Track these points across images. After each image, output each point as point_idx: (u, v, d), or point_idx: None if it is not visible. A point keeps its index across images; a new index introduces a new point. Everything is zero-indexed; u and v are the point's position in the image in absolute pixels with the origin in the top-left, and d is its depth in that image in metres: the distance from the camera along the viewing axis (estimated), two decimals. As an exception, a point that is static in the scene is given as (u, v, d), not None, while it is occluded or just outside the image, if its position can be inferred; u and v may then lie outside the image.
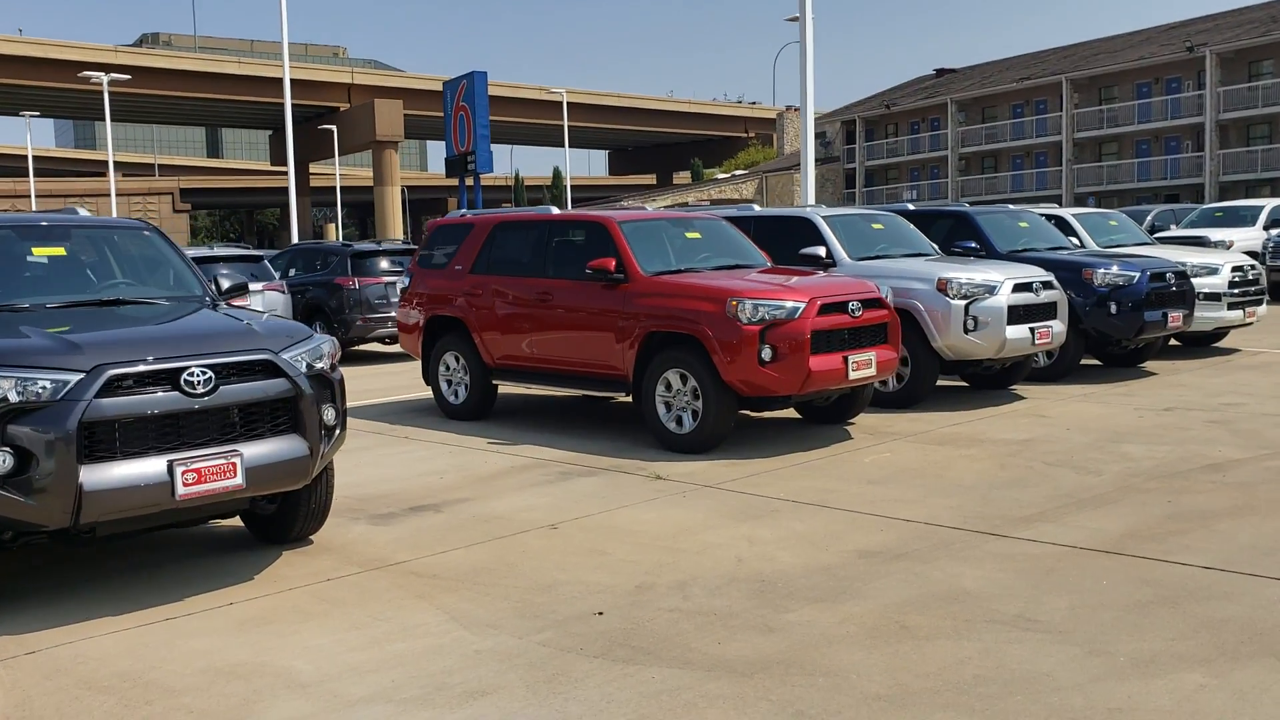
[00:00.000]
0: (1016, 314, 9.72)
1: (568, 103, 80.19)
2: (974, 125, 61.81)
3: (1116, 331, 11.13)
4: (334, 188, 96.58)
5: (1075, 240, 13.31)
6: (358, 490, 7.12)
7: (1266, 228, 22.37)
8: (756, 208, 11.54)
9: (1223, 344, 14.02)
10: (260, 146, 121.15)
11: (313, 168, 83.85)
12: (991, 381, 10.87)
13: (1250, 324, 13.33)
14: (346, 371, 6.20)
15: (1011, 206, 14.45)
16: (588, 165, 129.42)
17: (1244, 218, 23.20)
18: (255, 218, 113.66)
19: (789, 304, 7.78)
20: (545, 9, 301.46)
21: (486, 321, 9.61)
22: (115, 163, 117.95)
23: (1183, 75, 51.71)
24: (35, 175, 67.80)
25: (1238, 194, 47.07)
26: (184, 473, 4.69)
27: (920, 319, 9.62)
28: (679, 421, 8.11)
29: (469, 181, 46.21)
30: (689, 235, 9.26)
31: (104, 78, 43.04)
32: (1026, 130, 58.81)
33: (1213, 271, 12.82)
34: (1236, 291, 12.93)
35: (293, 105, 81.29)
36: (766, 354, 7.69)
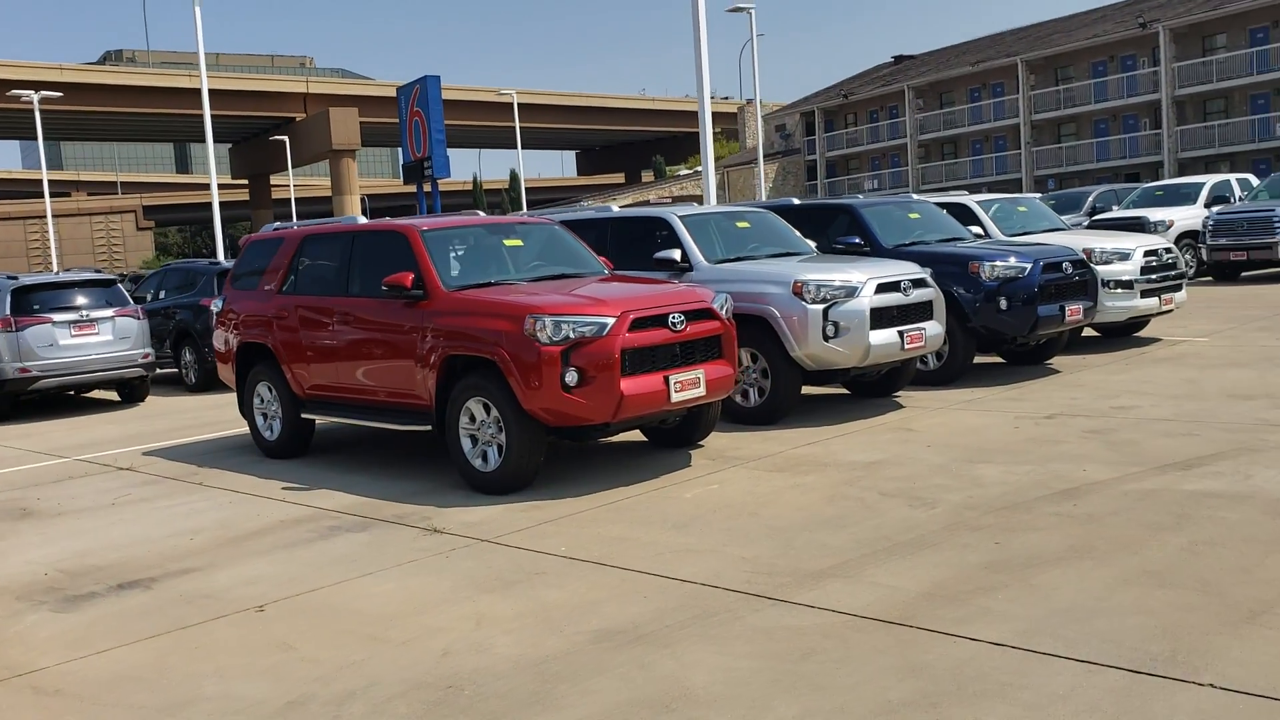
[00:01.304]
0: (882, 317, 8.78)
1: (526, 104, 79.19)
2: (932, 111, 61.04)
3: (1008, 329, 10.21)
4: (304, 198, 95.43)
5: (979, 230, 12.39)
6: (81, 560, 6.12)
7: (1208, 205, 21.55)
8: (615, 208, 10.58)
9: (1144, 333, 13.13)
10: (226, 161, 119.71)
11: (275, 179, 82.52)
12: (873, 389, 9.94)
13: (1168, 311, 12.43)
14: (216, 400, 5.19)
15: (913, 196, 13.56)
16: (560, 166, 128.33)
17: (1185, 196, 22.38)
18: (228, 232, 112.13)
19: (596, 320, 6.81)
20: (518, 13, 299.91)
21: (294, 348, 8.62)
22: (79, 181, 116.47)
23: (1137, 52, 50.96)
24: None
25: (1197, 170, 46.33)
26: None
27: (776, 326, 8.67)
28: (484, 457, 7.14)
29: (426, 188, 45.20)
30: (509, 243, 8.27)
31: (34, 95, 41.77)
32: (984, 114, 58.01)
33: (1124, 257, 11.92)
34: (1151, 278, 12.03)
35: (250, 117, 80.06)
36: (571, 378, 6.71)
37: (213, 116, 79.36)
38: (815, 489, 6.64)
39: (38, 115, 42.57)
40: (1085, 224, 22.25)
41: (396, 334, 7.65)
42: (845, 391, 10.25)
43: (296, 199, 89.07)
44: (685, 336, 7.14)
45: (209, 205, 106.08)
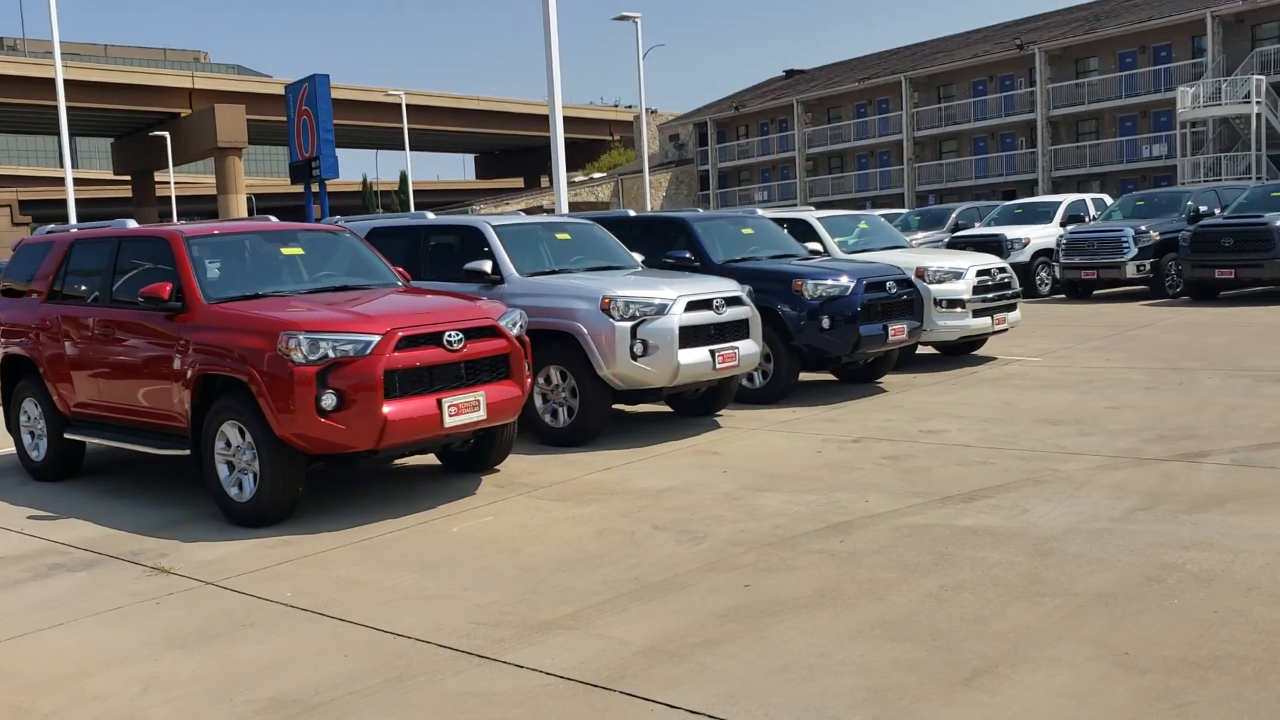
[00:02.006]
0: (693, 335, 8.47)
1: (418, 105, 77.96)
2: (820, 126, 61.82)
3: (831, 347, 10.02)
4: (189, 196, 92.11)
5: (816, 246, 12.22)
6: None
7: (1063, 224, 21.97)
8: (430, 215, 10.09)
9: (981, 351, 13.14)
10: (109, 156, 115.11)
11: (160, 176, 79.47)
12: (694, 408, 9.64)
13: (1002, 331, 12.45)
14: None
15: (757, 211, 13.37)
16: (462, 169, 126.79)
17: (1043, 214, 22.81)
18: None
19: (358, 338, 6.32)
20: (427, 13, 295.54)
21: (58, 362, 7.92)
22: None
23: (1015, 73, 52.34)
24: None
25: (1069, 189, 47.63)
26: None
27: (584, 344, 8.29)
28: (240, 486, 6.58)
29: (315, 188, 43.91)
30: (287, 251, 7.72)
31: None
32: (870, 130, 58.96)
33: (957, 276, 11.87)
34: (984, 297, 12.01)
35: (133, 111, 76.85)
36: (328, 401, 6.21)
37: (93, 110, 76.18)
38: (590, 521, 6.26)
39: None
40: (946, 240, 22.53)
41: (155, 349, 7.04)
42: (668, 409, 9.94)
43: (181, 197, 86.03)
44: (463, 356, 6.69)
45: (89, 201, 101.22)
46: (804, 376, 11.55)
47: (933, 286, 11.71)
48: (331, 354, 6.24)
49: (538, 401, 8.61)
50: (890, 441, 8.10)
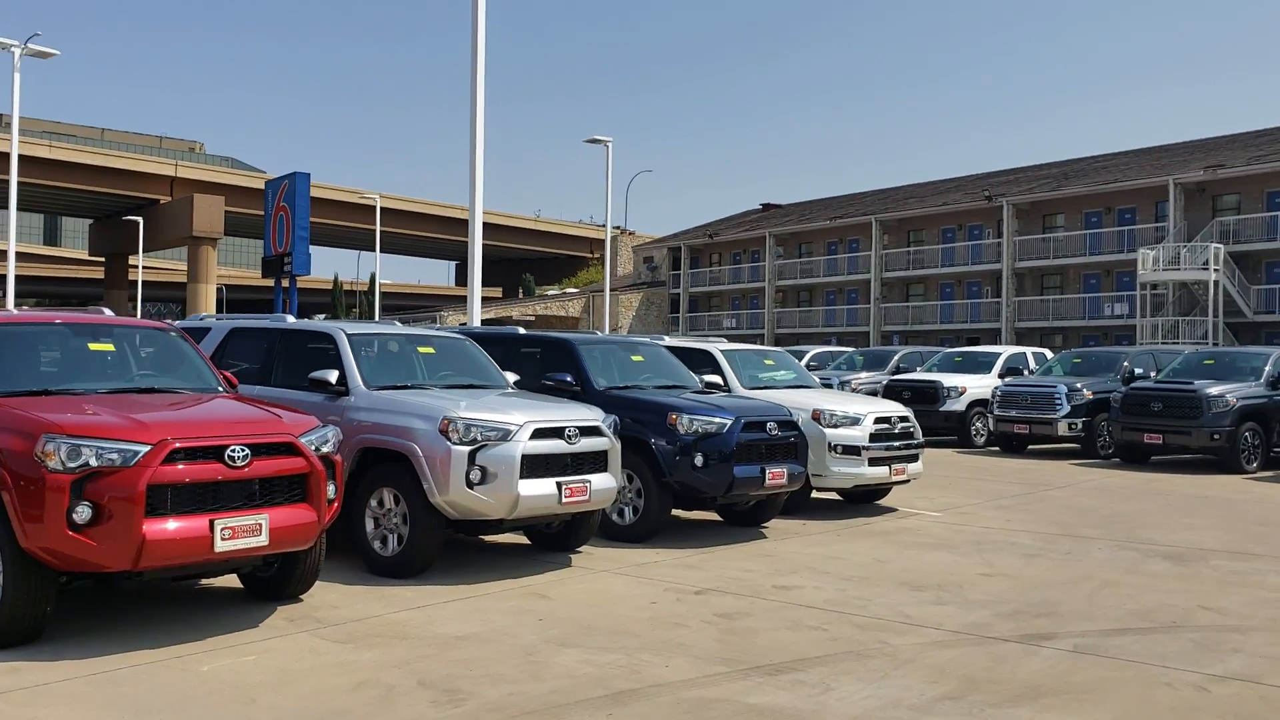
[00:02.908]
0: (540, 465, 7.97)
1: (396, 210, 78.68)
2: (791, 259, 62.50)
3: (704, 486, 9.53)
4: (159, 282, 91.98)
5: (716, 379, 11.82)
6: None
7: (1002, 375, 21.78)
8: (290, 319, 9.66)
9: (885, 501, 12.67)
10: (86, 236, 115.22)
11: (135, 260, 79.39)
12: (553, 542, 9.08)
13: (902, 482, 11.99)
14: None
15: (664, 338, 13.02)
16: (447, 275, 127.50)
17: (983, 364, 22.65)
18: (89, 309, 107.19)
19: (124, 446, 5.80)
20: (433, 125, 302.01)
21: None
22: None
23: (984, 223, 53.21)
24: None
25: (1032, 340, 47.97)
26: None
27: (417, 467, 7.76)
28: (-16, 603, 5.95)
29: (285, 283, 43.79)
30: (95, 348, 7.22)
31: None
32: (839, 267, 59.58)
33: (854, 422, 11.47)
34: (884, 445, 11.59)
35: (114, 195, 77.05)
36: (82, 514, 5.65)
37: (75, 191, 76.19)
38: (357, 670, 5.65)
39: None
40: (884, 382, 22.28)
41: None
42: (527, 542, 9.37)
43: (153, 282, 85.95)
44: (246, 475, 6.15)
45: (67, 280, 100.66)
46: (688, 515, 11.08)
47: (829, 431, 11.30)
48: (94, 462, 5.71)
49: (369, 526, 8.05)
50: (735, 596, 7.54)
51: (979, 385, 21.31)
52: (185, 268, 75.71)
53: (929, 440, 22.36)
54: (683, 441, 9.43)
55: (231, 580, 7.47)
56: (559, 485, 8.01)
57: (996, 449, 20.58)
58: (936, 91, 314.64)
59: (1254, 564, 9.17)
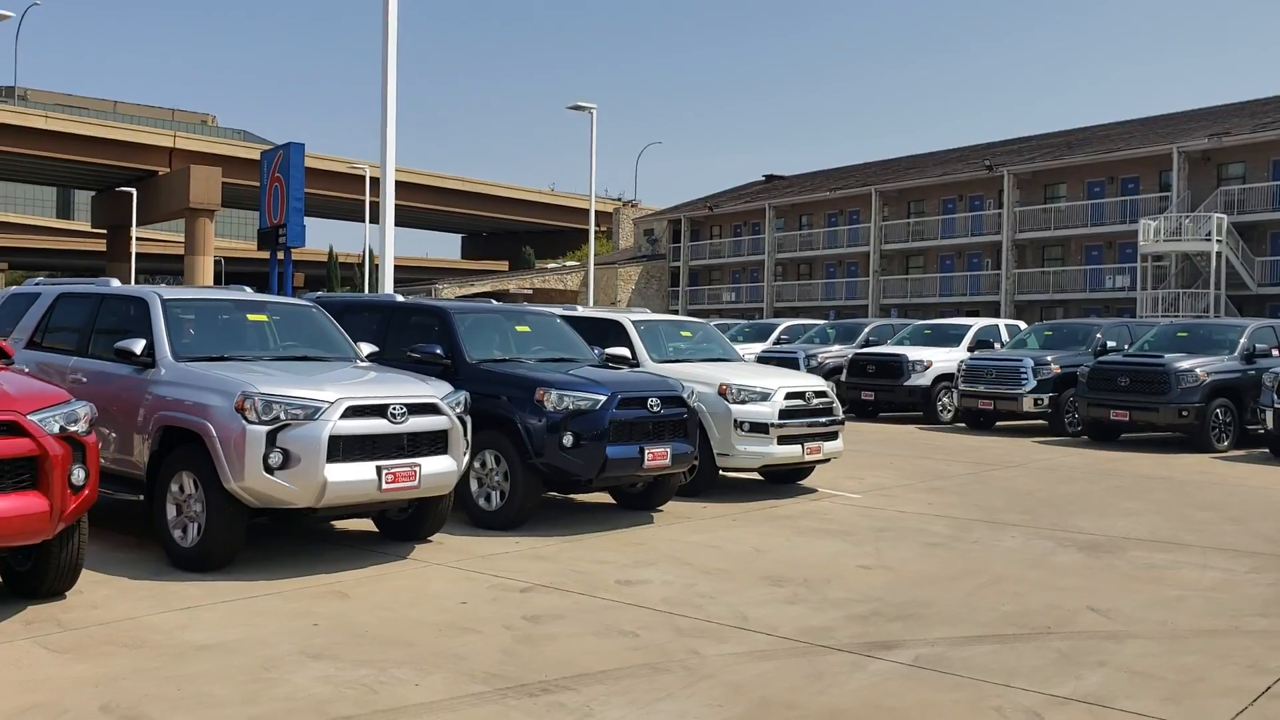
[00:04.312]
0: (355, 447, 7.10)
1: (406, 183, 77.62)
2: (791, 232, 61.31)
3: (575, 469, 8.65)
4: (159, 255, 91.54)
5: (623, 351, 10.93)
6: None
7: (971, 349, 20.78)
8: (115, 283, 8.77)
9: (807, 481, 11.77)
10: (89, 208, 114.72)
11: (141, 232, 78.82)
12: (399, 530, 8.23)
13: (816, 462, 11.10)
14: None
15: (577, 307, 12.17)
16: (458, 248, 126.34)
17: (953, 337, 21.66)
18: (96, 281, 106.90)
19: None
20: (449, 94, 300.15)
21: None
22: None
23: (985, 194, 51.86)
24: None
25: (1033, 314, 46.68)
26: None
27: (211, 448, 6.91)
28: None
29: (280, 255, 43.10)
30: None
31: None
32: (839, 239, 58.38)
33: (763, 397, 10.57)
34: (796, 422, 10.68)
35: (113, 166, 76.40)
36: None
37: (74, 163, 75.66)
38: (47, 688, 4.83)
39: None
40: (849, 356, 21.35)
41: None
42: (374, 530, 8.52)
43: (148, 254, 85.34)
44: (-52, 458, 5.33)
45: (74, 253, 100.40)
46: (584, 498, 10.23)
47: (735, 407, 10.41)
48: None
49: (171, 513, 7.22)
50: (563, 594, 6.68)
51: (946, 359, 20.32)
52: (177, 239, 75.16)
53: (894, 416, 21.61)
54: (550, 419, 8.56)
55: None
56: (379, 470, 7.14)
57: (964, 426, 19.62)
58: (945, 63, 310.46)
59: (1176, 555, 8.25)
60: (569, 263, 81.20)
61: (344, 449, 7.03)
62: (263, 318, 8.51)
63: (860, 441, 15.69)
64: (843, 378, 20.69)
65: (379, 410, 7.24)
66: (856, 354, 21.04)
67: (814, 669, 5.29)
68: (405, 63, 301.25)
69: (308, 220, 45.30)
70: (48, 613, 6.01)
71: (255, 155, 70.29)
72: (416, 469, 7.34)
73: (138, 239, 75.05)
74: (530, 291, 65.71)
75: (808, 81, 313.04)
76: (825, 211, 59.87)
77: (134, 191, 67.25)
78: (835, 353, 22.70)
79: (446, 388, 7.94)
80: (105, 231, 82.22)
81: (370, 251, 68.47)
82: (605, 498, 10.15)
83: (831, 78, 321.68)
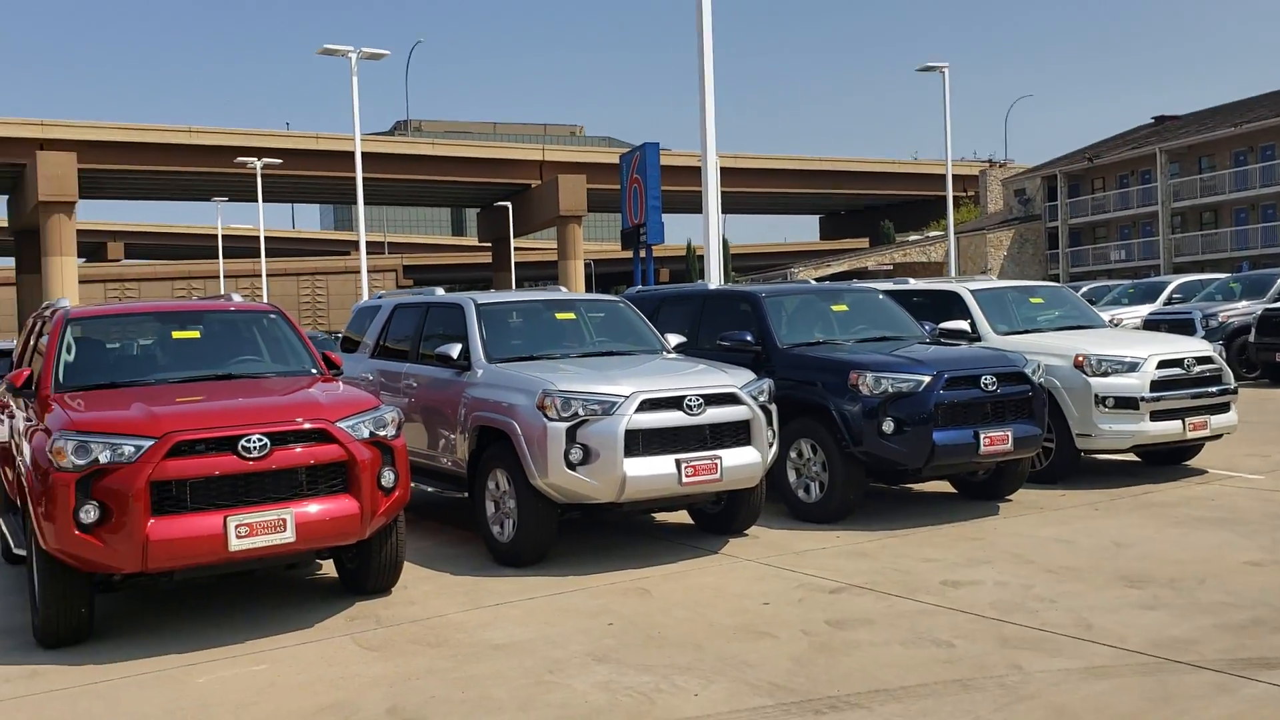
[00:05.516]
0: (654, 441, 6.88)
1: (739, 169, 78.26)
2: (1189, 177, 54.87)
3: (897, 457, 7.94)
4: (535, 262, 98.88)
5: (962, 325, 9.98)
6: None
7: (1276, 299, 17.51)
8: (440, 291, 9.13)
9: (1194, 461, 10.19)
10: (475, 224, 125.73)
11: (516, 243, 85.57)
12: (714, 523, 7.95)
13: (1202, 439, 9.53)
14: None
15: (846, 285, 11.28)
16: (814, 229, 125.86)
17: (1261, 288, 18.36)
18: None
19: (129, 440, 5.49)
20: (787, 80, 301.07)
21: None
22: (351, 242, 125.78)
23: None
24: (283, 256, 71.89)
25: None
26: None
27: (517, 446, 6.98)
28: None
29: (642, 253, 45.29)
30: (178, 335, 7.08)
31: (257, 163, 45.43)
32: (1250, 180, 51.42)
33: (1130, 368, 9.21)
34: (1171, 395, 9.23)
35: (493, 183, 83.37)
36: (89, 514, 5.42)
37: (459, 183, 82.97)
38: (346, 686, 4.99)
39: (259, 180, 46.16)
40: (1259, 312, 18.54)
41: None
42: (691, 522, 8.29)
43: (526, 262, 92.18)
44: (264, 466, 5.66)
45: (463, 267, 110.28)
46: (922, 488, 9.45)
47: (1094, 380, 9.16)
48: (102, 460, 5.45)
49: (489, 510, 7.40)
50: (876, 595, 6.08)
51: (1239, 312, 17.19)
52: (549, 246, 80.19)
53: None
54: (867, 404, 7.91)
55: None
56: (678, 463, 6.88)
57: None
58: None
59: None
60: (931, 233, 77.92)
61: (643, 443, 6.84)
62: (572, 316, 8.55)
63: (1271, 413, 13.50)
64: (1250, 338, 18.00)
65: (675, 402, 6.98)
66: (1267, 309, 18.17)
67: (1164, 691, 4.35)
68: (754, 49, 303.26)
69: (666, 217, 46.72)
70: (370, 609, 6.29)
71: (616, 159, 74.04)
72: (717, 461, 7.01)
73: (516, 248, 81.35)
74: (890, 267, 63.68)
75: (1195, 8, 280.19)
76: (1231, 150, 52.97)
77: (509, 205, 72.70)
78: (1240, 310, 19.74)
79: (748, 376, 7.55)
80: (490, 244, 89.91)
81: (726, 242, 69.62)
82: (946, 486, 9.32)
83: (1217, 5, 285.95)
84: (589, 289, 78.39)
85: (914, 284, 11.25)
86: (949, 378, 7.99)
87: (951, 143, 36.84)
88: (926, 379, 7.94)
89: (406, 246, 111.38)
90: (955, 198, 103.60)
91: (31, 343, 7.67)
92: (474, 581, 6.84)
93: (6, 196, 63.13)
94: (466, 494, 7.77)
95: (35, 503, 5.55)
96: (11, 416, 7.02)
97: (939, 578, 6.44)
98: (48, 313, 7.34)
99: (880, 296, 9.89)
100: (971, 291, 10.65)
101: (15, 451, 6.60)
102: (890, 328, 9.43)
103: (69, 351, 6.66)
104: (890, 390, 7.91)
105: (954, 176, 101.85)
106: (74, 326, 6.83)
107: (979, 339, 10.05)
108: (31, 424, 6.13)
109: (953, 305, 10.55)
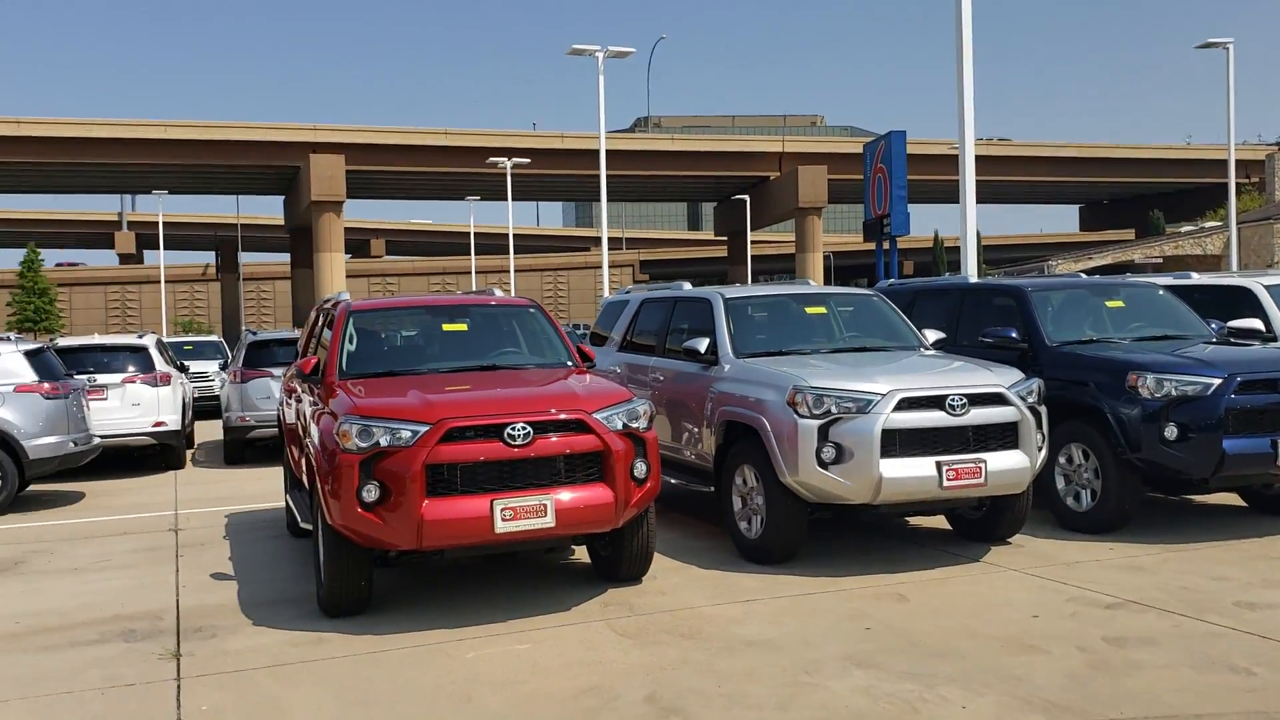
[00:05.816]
0: (913, 441, 6.63)
1: (997, 156, 74.97)
2: None
3: (1179, 464, 7.33)
4: (771, 255, 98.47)
5: (1255, 324, 9.12)
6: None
7: None
8: (686, 286, 9.14)
9: None
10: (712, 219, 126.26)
11: (755, 235, 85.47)
12: (974, 529, 7.60)
13: None
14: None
15: (1123, 279, 10.50)
16: (1072, 220, 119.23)
17: None
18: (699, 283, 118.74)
19: (412, 426, 5.79)
20: (1048, 62, 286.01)
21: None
22: (590, 239, 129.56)
23: None
24: (528, 253, 74.81)
25: None
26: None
27: (766, 442, 6.90)
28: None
29: (885, 245, 44.37)
30: (448, 328, 7.40)
31: (507, 163, 47.50)
32: None
33: None
34: None
35: (730, 177, 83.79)
36: (370, 493, 5.76)
37: (696, 178, 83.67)
38: (605, 671, 5.07)
39: (509, 179, 48.15)
40: None
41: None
42: (947, 527, 7.97)
43: (762, 255, 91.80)
44: (527, 453, 5.83)
45: (699, 260, 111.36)
46: (1204, 499, 8.74)
47: None
48: (387, 442, 5.78)
49: (736, 505, 7.36)
50: (1159, 613, 5.62)
51: None
52: (787, 238, 79.38)
53: None
54: (1147, 408, 7.34)
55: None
56: (939, 466, 6.60)
57: None
58: None
59: None
60: (1208, 224, 71.91)
61: (900, 443, 6.61)
62: (822, 310, 8.38)
63: None
64: None
65: (936, 402, 6.70)
66: None
67: None
68: (1011, 29, 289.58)
69: (911, 207, 45.31)
70: (623, 597, 6.38)
71: (858, 149, 72.47)
72: (982, 465, 6.68)
73: (752, 241, 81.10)
74: (1160, 260, 59.23)
75: None
76: None
77: (746, 198, 72.53)
78: None
79: (1015, 375, 7.16)
80: (725, 238, 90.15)
81: (978, 234, 66.82)
82: (1232, 499, 8.54)
83: None
84: (828, 282, 77.32)
85: (1196, 278, 10.38)
86: (1242, 380, 7.30)
87: (1234, 125, 33.86)
88: (1215, 382, 7.28)
89: (643, 241, 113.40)
90: (1237, 184, 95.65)
91: (316, 333, 8.26)
92: (722, 576, 6.82)
93: (283, 197, 68.98)
94: (712, 488, 7.77)
95: (322, 481, 5.96)
96: (299, 401, 7.57)
97: (1231, 598, 5.89)
98: (331, 305, 7.87)
99: (1160, 292, 9.17)
100: (1266, 287, 9.71)
101: (302, 433, 7.11)
102: (1172, 325, 8.73)
103: (351, 341, 7.11)
104: (1174, 393, 7.31)
105: (1236, 161, 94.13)
106: (356, 318, 7.28)
107: (1275, 339, 9.16)
108: (318, 408, 6.58)
109: (1242, 301, 9.66)
